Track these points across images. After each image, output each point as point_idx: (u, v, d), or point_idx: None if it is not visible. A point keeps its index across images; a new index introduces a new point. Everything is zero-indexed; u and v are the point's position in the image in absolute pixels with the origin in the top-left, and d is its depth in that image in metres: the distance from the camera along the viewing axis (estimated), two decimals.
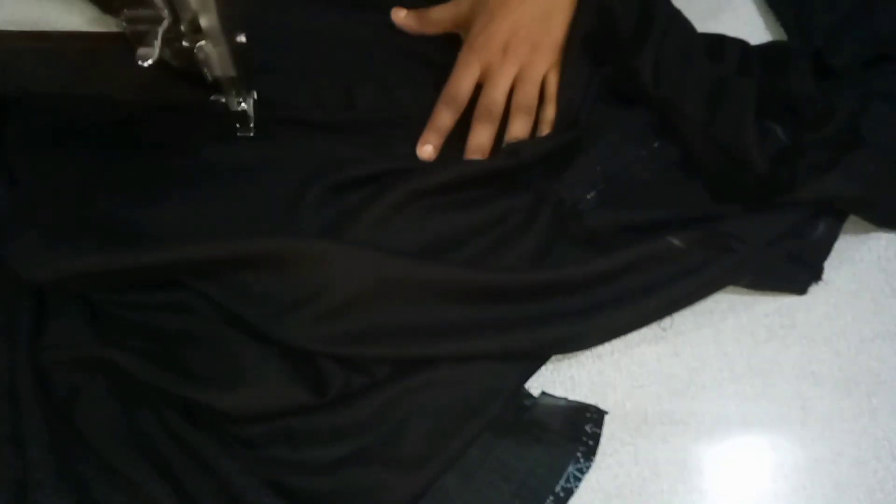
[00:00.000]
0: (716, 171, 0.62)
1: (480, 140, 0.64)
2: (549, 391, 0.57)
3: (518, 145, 0.62)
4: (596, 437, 0.55)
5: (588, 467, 0.54)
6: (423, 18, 0.69)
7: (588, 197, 0.62)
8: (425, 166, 0.63)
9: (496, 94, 0.64)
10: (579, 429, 0.55)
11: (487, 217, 0.61)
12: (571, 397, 0.57)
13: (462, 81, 0.64)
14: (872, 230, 0.62)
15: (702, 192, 0.63)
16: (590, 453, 0.54)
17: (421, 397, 0.55)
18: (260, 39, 0.57)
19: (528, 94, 0.65)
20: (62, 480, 0.51)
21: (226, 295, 0.56)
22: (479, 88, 0.65)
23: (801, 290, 0.60)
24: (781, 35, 0.71)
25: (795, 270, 0.59)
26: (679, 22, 0.66)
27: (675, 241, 0.57)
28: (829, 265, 0.60)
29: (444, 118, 0.64)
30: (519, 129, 0.64)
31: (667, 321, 0.59)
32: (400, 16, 0.69)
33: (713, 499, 0.54)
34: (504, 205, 0.61)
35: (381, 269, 0.56)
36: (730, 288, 0.59)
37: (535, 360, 0.57)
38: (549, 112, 0.64)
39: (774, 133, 0.63)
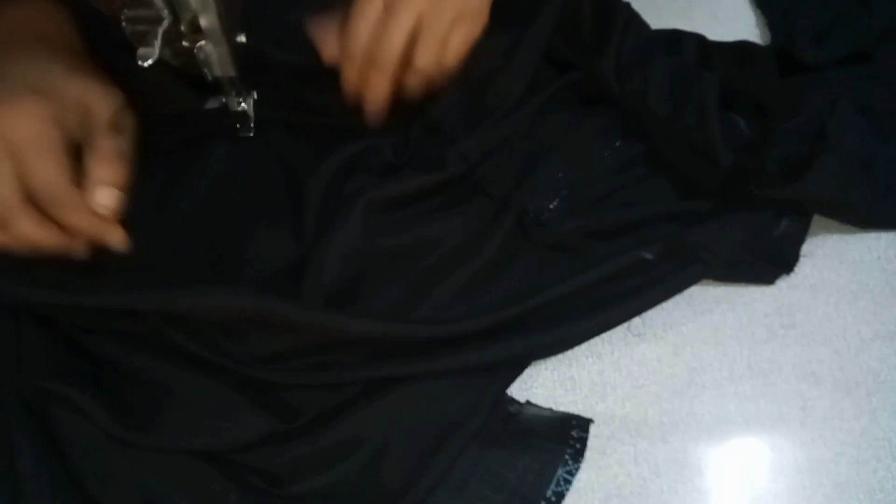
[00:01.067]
0: (682, 166, 0.62)
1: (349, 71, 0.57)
2: (549, 392, 0.57)
3: (464, 146, 0.61)
4: (583, 441, 0.54)
5: (577, 469, 0.54)
6: None
7: (551, 206, 0.61)
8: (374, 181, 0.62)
9: (392, 39, 0.55)
10: (566, 433, 0.55)
11: (449, 228, 0.61)
12: (571, 397, 0.57)
13: (360, 22, 0.56)
14: (872, 230, 0.62)
15: (667, 189, 0.63)
16: (578, 455, 0.54)
17: (398, 415, 0.54)
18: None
19: (426, 53, 0.57)
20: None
21: (182, 335, 0.55)
22: None
23: (769, 281, 0.60)
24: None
25: (762, 265, 0.60)
26: (636, 22, 0.66)
27: (647, 255, 0.58)
28: (830, 265, 0.61)
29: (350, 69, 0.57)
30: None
31: (639, 326, 0.59)
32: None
33: (713, 499, 0.54)
34: (466, 215, 0.61)
35: (343, 330, 0.55)
36: (730, 288, 0.60)
37: (514, 368, 0.57)
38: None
39: (738, 126, 0.63)
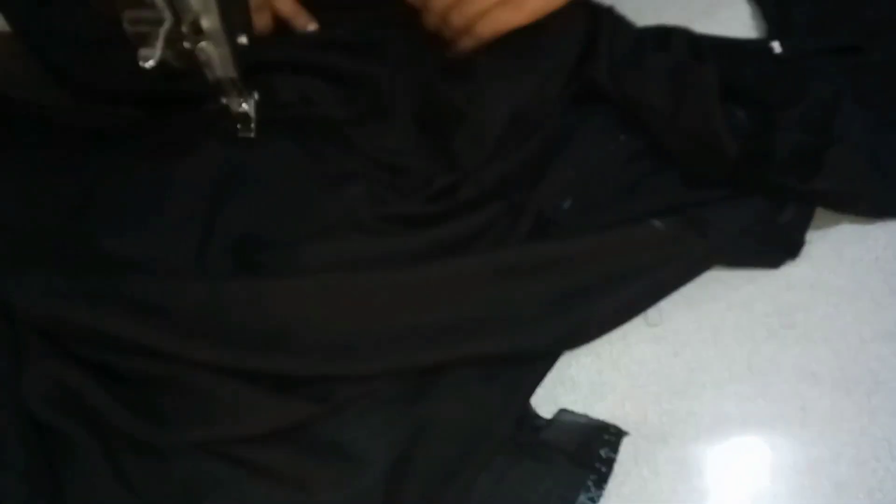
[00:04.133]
0: (688, 158, 0.63)
1: None
2: (549, 392, 0.57)
3: (478, 175, 0.62)
4: (610, 463, 0.54)
5: (600, 496, 0.53)
6: None
7: (565, 207, 0.62)
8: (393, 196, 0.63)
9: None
10: (593, 454, 0.54)
11: (467, 231, 0.61)
12: (571, 397, 0.57)
13: None
14: (871, 230, 0.62)
15: (675, 181, 0.63)
16: (601, 481, 0.53)
17: (422, 427, 0.54)
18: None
19: (465, 11, 0.63)
20: None
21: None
22: None
23: (774, 265, 0.61)
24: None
25: (768, 250, 0.60)
26: (622, 24, 0.67)
27: (658, 224, 0.58)
28: (829, 265, 0.61)
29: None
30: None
31: (655, 316, 0.59)
32: None
33: (713, 499, 0.54)
34: (484, 218, 0.61)
35: (362, 282, 0.56)
36: (730, 288, 0.60)
37: (539, 367, 0.57)
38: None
39: (737, 117, 0.63)
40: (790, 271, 0.61)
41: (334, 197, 0.62)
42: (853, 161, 0.59)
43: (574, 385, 0.57)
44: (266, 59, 0.64)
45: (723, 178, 0.61)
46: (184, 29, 0.50)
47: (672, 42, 0.67)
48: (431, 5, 0.64)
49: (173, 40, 0.51)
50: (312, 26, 0.69)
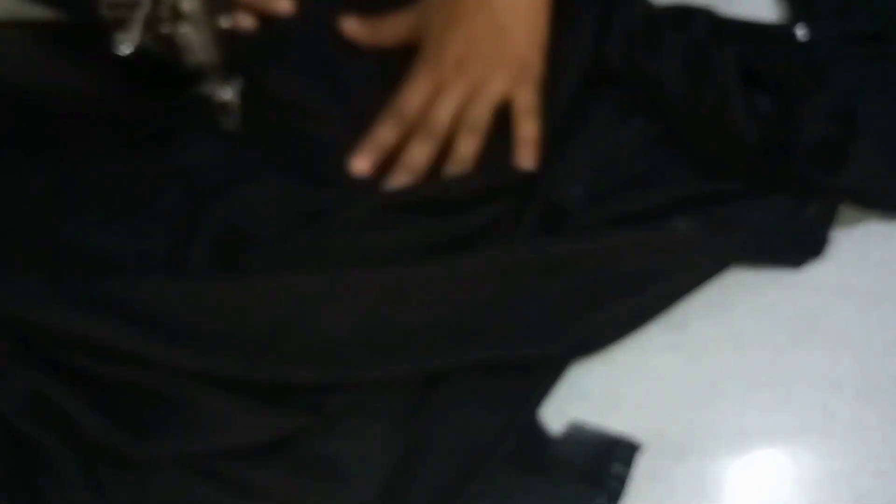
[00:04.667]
0: (703, 144, 0.62)
1: (412, 157, 0.60)
2: (560, 403, 0.55)
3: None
4: (622, 480, 0.52)
5: None
6: (376, 29, 0.65)
7: (575, 194, 0.61)
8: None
9: (440, 111, 0.60)
10: (604, 470, 0.52)
11: (474, 221, 0.59)
12: (582, 409, 0.55)
13: (410, 96, 0.61)
14: None
15: (690, 170, 0.62)
16: (613, 499, 0.51)
17: (426, 437, 0.53)
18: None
19: (476, 112, 0.61)
20: None
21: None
22: None
23: (797, 264, 0.59)
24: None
25: (791, 249, 0.59)
26: (635, 5, 0.66)
27: (681, 227, 0.57)
28: (852, 268, 0.60)
29: (385, 133, 0.60)
30: (463, 149, 0.60)
31: (679, 318, 0.57)
32: (351, 26, 0.65)
33: None
34: (490, 208, 0.60)
35: (356, 282, 0.55)
36: (750, 292, 0.59)
37: (547, 376, 0.55)
38: (526, 130, 0.61)
39: (760, 103, 0.62)
40: (813, 273, 0.60)
41: (325, 188, 0.61)
42: (881, 155, 0.58)
43: (585, 396, 0.56)
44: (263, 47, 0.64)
45: (741, 170, 0.60)
46: (163, 13, 0.50)
47: (694, 23, 0.66)
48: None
49: (152, 24, 0.50)
50: (285, 4, 0.65)
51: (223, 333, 0.53)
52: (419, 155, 0.60)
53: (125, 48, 0.47)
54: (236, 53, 0.56)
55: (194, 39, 0.52)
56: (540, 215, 0.59)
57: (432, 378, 0.54)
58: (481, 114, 0.60)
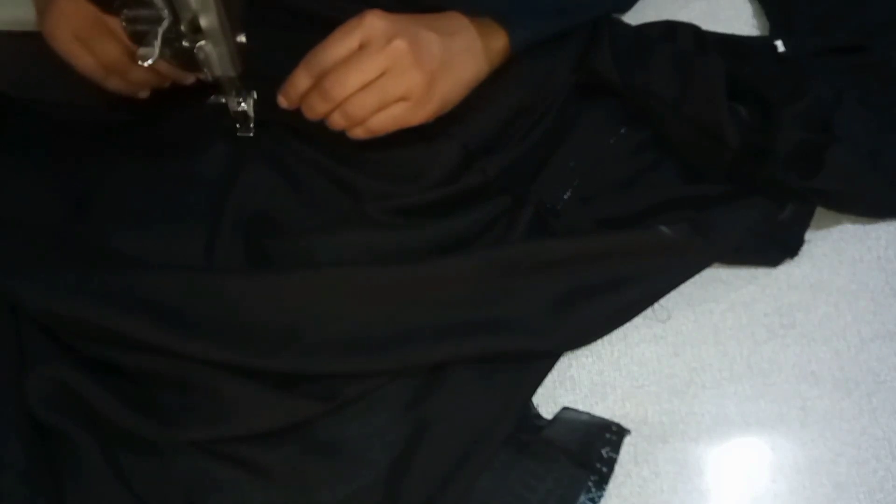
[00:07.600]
0: (689, 150, 0.63)
1: (309, 107, 0.57)
2: (549, 392, 0.57)
3: (484, 163, 0.61)
4: (611, 463, 0.54)
5: (600, 496, 0.53)
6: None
7: (565, 197, 0.62)
8: (394, 189, 0.62)
9: (349, 79, 0.55)
10: (594, 453, 0.54)
11: (470, 224, 0.61)
12: (571, 397, 0.57)
13: (332, 48, 0.56)
14: (872, 230, 0.62)
15: (675, 174, 0.63)
16: (602, 481, 0.53)
17: (425, 423, 0.54)
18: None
19: (367, 101, 0.56)
20: None
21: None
22: None
23: (774, 263, 0.61)
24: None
25: (768, 248, 0.61)
26: (620, 22, 0.68)
27: (666, 230, 0.58)
28: (829, 265, 0.61)
29: (300, 80, 0.57)
30: (332, 122, 0.58)
31: (663, 312, 0.59)
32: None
33: (713, 499, 0.54)
34: (485, 211, 0.61)
35: (369, 279, 0.56)
36: (730, 287, 0.60)
37: (540, 367, 0.57)
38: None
39: (740, 113, 0.63)
40: (791, 271, 0.61)
41: (339, 190, 0.62)
42: (854, 160, 0.59)
43: (574, 385, 0.57)
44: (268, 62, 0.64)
45: (722, 175, 0.61)
46: (182, 28, 0.50)
47: (678, 37, 0.67)
48: (326, 99, 0.57)
49: (171, 39, 0.51)
50: (190, 80, 0.63)
51: (245, 326, 0.55)
52: (310, 112, 0.57)
53: (145, 62, 0.48)
54: (250, 67, 0.57)
55: (212, 54, 0.52)
56: (533, 217, 0.60)
57: (436, 367, 0.56)
58: (366, 106, 0.56)
